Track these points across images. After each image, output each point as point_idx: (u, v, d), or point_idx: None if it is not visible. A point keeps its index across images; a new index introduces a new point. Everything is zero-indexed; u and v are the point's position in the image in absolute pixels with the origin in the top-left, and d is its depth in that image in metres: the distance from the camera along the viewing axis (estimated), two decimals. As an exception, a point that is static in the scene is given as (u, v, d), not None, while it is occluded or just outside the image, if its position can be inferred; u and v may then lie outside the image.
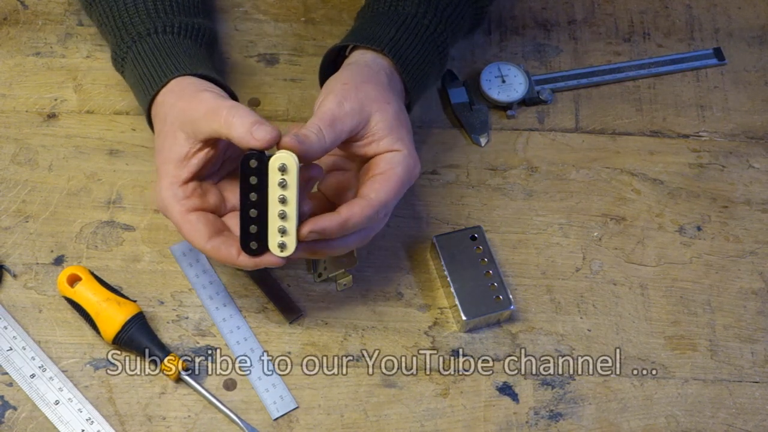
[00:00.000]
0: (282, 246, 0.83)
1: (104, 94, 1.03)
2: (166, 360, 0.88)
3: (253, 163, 0.80)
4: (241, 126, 0.81)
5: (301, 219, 0.83)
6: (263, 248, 0.83)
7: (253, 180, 0.81)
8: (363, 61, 0.91)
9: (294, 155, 0.80)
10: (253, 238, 0.83)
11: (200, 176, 0.87)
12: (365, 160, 0.87)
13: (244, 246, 0.83)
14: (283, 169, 0.80)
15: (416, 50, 0.93)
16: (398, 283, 0.96)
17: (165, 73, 0.89)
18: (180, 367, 0.88)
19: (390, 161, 0.85)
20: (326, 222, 0.82)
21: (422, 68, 0.94)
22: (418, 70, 0.93)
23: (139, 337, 0.89)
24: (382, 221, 0.87)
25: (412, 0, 0.95)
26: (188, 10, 0.97)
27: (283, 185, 0.80)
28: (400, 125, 0.87)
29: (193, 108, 0.85)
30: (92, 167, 0.99)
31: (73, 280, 0.90)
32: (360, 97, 0.86)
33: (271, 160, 0.80)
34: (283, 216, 0.81)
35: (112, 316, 0.88)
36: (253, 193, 0.81)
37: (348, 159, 0.90)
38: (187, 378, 0.88)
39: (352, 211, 0.83)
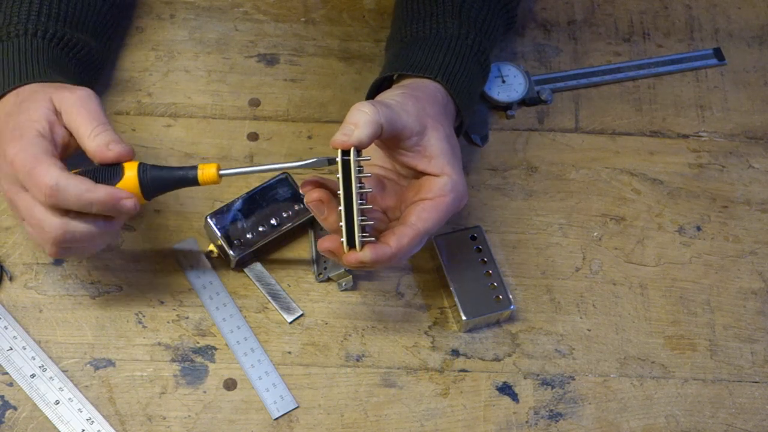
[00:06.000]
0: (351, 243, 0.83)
1: (104, 94, 1.03)
2: (199, 170, 0.83)
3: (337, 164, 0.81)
4: (101, 140, 0.82)
5: (369, 224, 0.83)
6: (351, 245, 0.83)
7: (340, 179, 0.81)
8: (415, 85, 0.90)
9: (351, 154, 0.80)
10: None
11: (60, 154, 0.84)
12: (413, 173, 0.87)
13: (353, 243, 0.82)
14: (343, 168, 0.80)
15: (465, 72, 0.93)
16: (398, 283, 0.96)
17: (21, 76, 0.88)
18: (215, 169, 0.83)
19: (442, 188, 0.84)
20: (379, 253, 0.82)
21: (471, 89, 0.94)
22: (467, 91, 0.93)
23: (161, 174, 0.83)
24: (422, 244, 0.86)
25: (452, 21, 0.96)
26: (74, 24, 0.94)
27: (345, 183, 0.81)
28: (452, 150, 0.86)
29: (70, 96, 0.83)
30: (92, 167, 0.99)
31: None
32: (419, 107, 0.85)
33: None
34: (345, 214, 0.81)
35: (124, 181, 0.84)
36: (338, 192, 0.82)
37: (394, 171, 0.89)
38: (228, 171, 0.84)
39: (401, 244, 0.82)
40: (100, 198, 0.81)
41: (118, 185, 0.83)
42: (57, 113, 0.84)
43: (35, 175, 0.80)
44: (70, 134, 0.84)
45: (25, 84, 0.87)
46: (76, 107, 0.83)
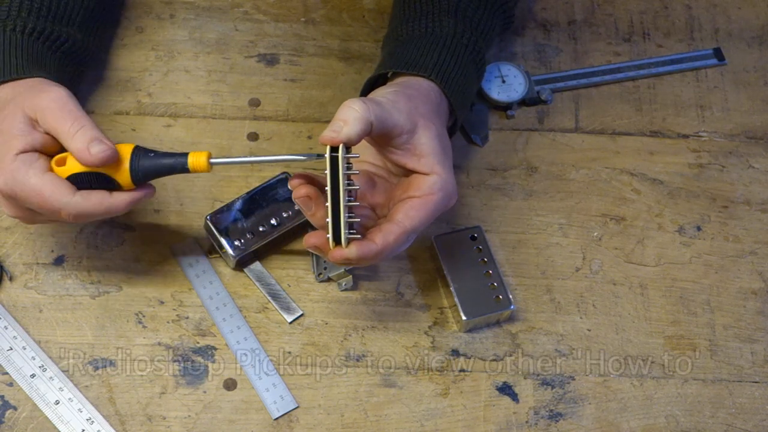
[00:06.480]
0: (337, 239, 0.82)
1: (104, 94, 1.03)
2: (189, 157, 0.83)
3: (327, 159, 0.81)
4: (81, 141, 0.81)
5: (357, 221, 0.82)
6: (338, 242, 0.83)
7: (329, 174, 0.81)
8: (409, 83, 0.90)
9: (339, 151, 0.80)
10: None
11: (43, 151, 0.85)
12: (403, 171, 0.87)
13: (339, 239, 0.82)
14: (331, 164, 0.80)
15: (460, 71, 0.93)
16: (398, 283, 0.96)
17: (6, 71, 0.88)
18: (206, 157, 0.83)
19: (431, 186, 0.84)
20: (365, 250, 0.82)
21: (466, 88, 0.94)
22: (462, 90, 0.93)
23: (152, 161, 0.84)
24: (410, 242, 0.86)
25: (448, 20, 0.95)
26: (59, 19, 0.94)
27: (333, 180, 0.80)
28: (442, 149, 0.86)
29: (43, 100, 0.83)
30: (92, 167, 0.99)
31: (63, 161, 0.85)
32: (410, 105, 0.85)
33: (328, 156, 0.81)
34: (332, 211, 0.81)
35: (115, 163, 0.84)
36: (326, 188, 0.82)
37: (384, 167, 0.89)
38: (218, 160, 0.84)
39: (387, 242, 0.82)
40: (99, 213, 0.83)
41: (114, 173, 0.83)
42: (33, 121, 0.84)
43: (45, 195, 0.81)
44: (53, 138, 0.84)
45: (3, 82, 0.87)
46: (49, 111, 0.83)
